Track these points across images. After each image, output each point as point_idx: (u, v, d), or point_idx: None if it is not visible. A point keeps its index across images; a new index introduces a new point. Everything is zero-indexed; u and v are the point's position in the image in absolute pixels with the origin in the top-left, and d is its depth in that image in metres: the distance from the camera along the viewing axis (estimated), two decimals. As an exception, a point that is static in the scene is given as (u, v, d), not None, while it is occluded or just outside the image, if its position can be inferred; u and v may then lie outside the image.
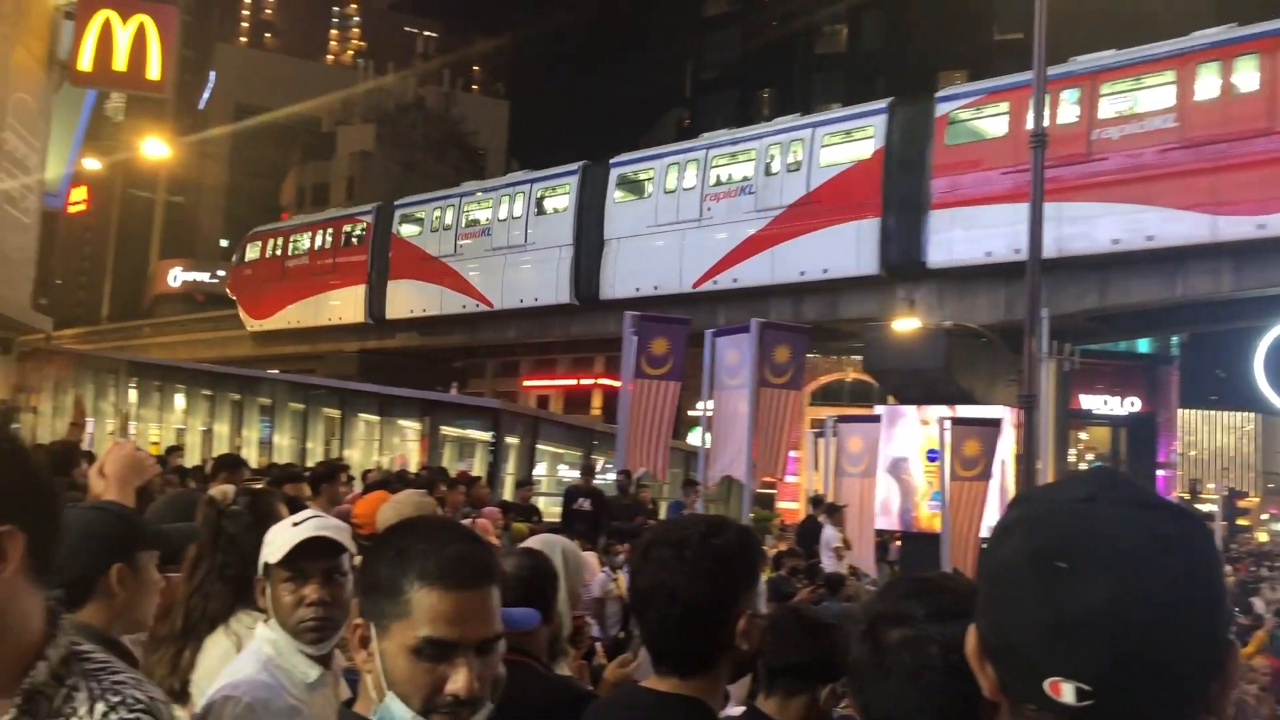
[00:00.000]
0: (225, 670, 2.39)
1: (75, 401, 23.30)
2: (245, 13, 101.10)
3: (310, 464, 20.38)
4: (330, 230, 40.06)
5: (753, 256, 26.78)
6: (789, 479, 27.09)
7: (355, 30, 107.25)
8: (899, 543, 22.29)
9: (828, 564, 12.65)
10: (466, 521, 8.50)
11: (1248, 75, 20.03)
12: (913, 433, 23.76)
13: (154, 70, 13.83)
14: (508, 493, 16.95)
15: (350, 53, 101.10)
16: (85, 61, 13.40)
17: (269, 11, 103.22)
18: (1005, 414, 19.83)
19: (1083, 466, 34.51)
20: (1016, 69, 22.67)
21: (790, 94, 49.00)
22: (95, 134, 58.86)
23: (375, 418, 22.91)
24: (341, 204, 51.03)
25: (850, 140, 25.92)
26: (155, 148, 27.52)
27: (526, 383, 41.76)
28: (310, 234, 41.49)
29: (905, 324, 21.36)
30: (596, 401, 39.69)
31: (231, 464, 7.00)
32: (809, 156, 26.18)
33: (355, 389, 24.19)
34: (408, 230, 35.76)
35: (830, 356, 34.48)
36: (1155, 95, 21.28)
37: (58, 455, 6.60)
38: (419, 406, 22.08)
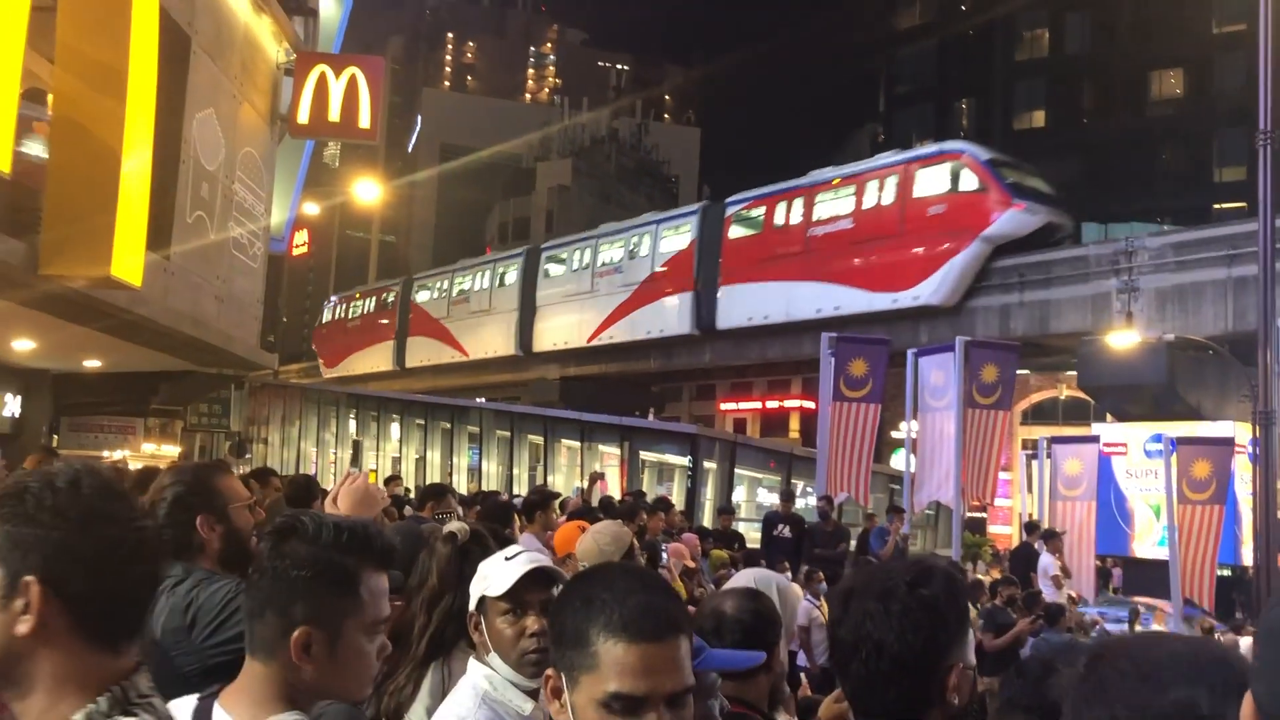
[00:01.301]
0: (445, 705, 2.39)
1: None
2: (448, 58, 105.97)
3: (517, 490, 21.07)
4: (372, 299, 52.74)
5: (620, 320, 36.73)
6: (1000, 503, 26.10)
7: (550, 69, 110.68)
8: (1119, 569, 20.93)
9: (1047, 593, 11.97)
10: (669, 550, 8.48)
11: (889, 192, 29.04)
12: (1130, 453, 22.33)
13: (365, 119, 14.54)
14: (707, 518, 16.90)
15: (546, 90, 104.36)
16: (304, 115, 14.22)
17: (470, 55, 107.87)
18: (1239, 432, 18.36)
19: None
20: (1241, 65, 22.55)
21: (989, 103, 47.34)
22: (314, 180, 62.83)
23: (577, 443, 23.34)
24: (542, 237, 53.65)
25: (678, 233, 35.74)
26: (367, 190, 29.11)
27: (723, 406, 41.70)
28: (358, 301, 53.16)
29: (1123, 337, 20.12)
30: (794, 424, 39.23)
31: (438, 493, 7.20)
32: (654, 245, 36.27)
33: (558, 416, 24.73)
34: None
35: (1043, 373, 32.90)
36: (842, 204, 30.47)
37: (299, 487, 6.95)
38: (618, 432, 22.38)
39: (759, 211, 33.11)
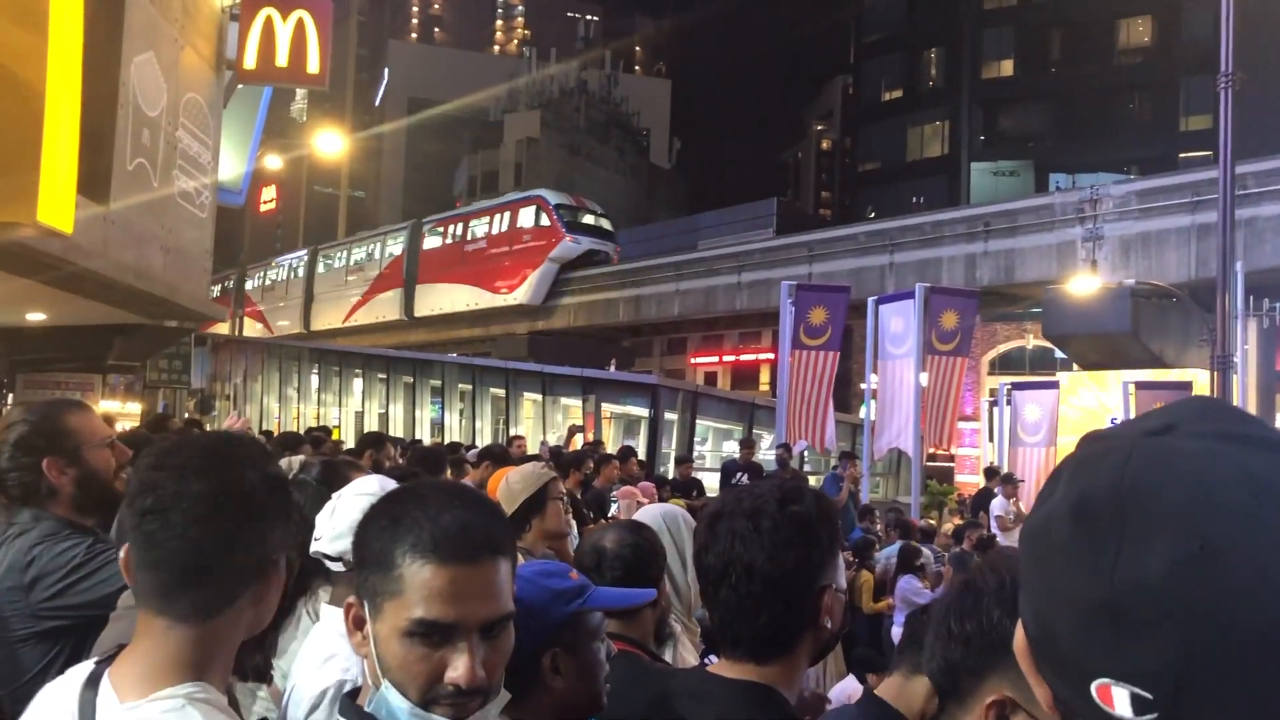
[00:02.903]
0: (317, 651, 2.24)
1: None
2: (415, 9, 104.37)
3: (481, 442, 20.97)
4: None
5: (361, 307, 48.14)
6: (969, 451, 26.34)
7: (519, 20, 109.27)
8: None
9: (1001, 539, 12.02)
10: (616, 493, 8.41)
11: (503, 223, 41.80)
12: (1091, 399, 22.40)
13: (314, 64, 14.23)
14: (670, 469, 16.86)
15: (515, 42, 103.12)
16: (250, 60, 13.89)
17: (437, 6, 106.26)
18: (1201, 378, 18.47)
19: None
20: (1209, 14, 23.10)
21: (958, 53, 47.08)
22: (279, 133, 62.24)
23: (539, 396, 23.24)
24: (511, 189, 54.22)
25: (396, 242, 47.57)
26: (329, 142, 28.58)
27: (694, 360, 41.68)
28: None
29: (1085, 283, 20.12)
30: (765, 376, 39.30)
31: (376, 441, 7.09)
32: (383, 251, 47.93)
33: (520, 369, 24.63)
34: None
35: (1010, 323, 33.04)
36: (481, 228, 43.18)
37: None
38: (580, 384, 22.28)
39: (440, 230, 46.06)
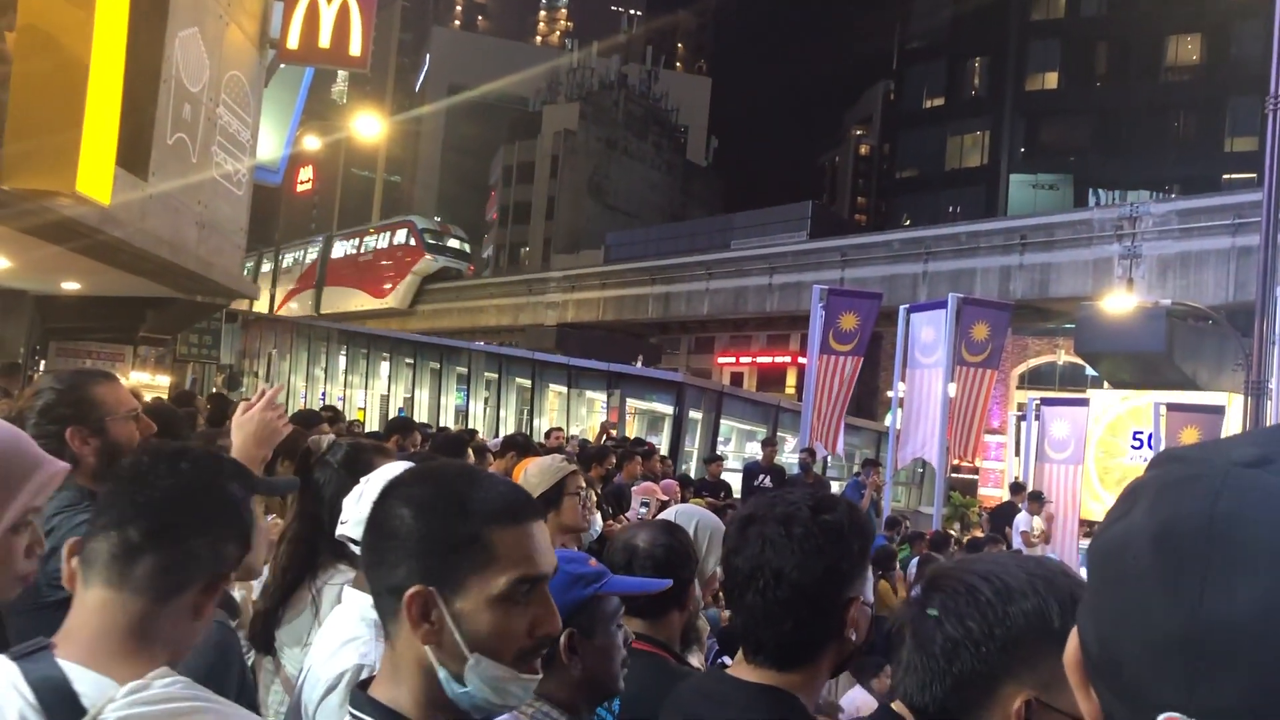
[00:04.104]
0: (337, 633, 2.21)
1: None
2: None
3: (504, 432, 21.00)
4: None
5: (289, 301, 57.90)
6: (994, 465, 26.15)
7: (563, 11, 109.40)
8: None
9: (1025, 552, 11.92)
10: (637, 490, 8.37)
11: (385, 240, 52.94)
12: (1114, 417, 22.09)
13: (356, 46, 14.29)
14: (693, 468, 16.82)
15: (557, 34, 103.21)
16: (293, 40, 13.97)
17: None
18: (1235, 403, 18.21)
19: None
20: (1259, 33, 22.66)
21: (1003, 63, 46.67)
22: (319, 116, 62.75)
23: (564, 389, 23.24)
24: (547, 181, 54.94)
25: (314, 250, 58.03)
26: (368, 125, 28.72)
27: (721, 359, 41.64)
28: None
29: (1120, 301, 19.87)
30: (791, 379, 39.19)
31: (402, 427, 7.10)
32: (305, 256, 57.86)
33: (546, 360, 24.63)
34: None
35: (1042, 337, 32.77)
36: (371, 243, 54.05)
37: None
38: (605, 378, 22.26)
39: (345, 242, 56.29)
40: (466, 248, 53.95)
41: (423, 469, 1.53)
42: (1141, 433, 17.11)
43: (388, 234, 52.94)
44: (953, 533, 13.99)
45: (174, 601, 1.44)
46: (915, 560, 9.67)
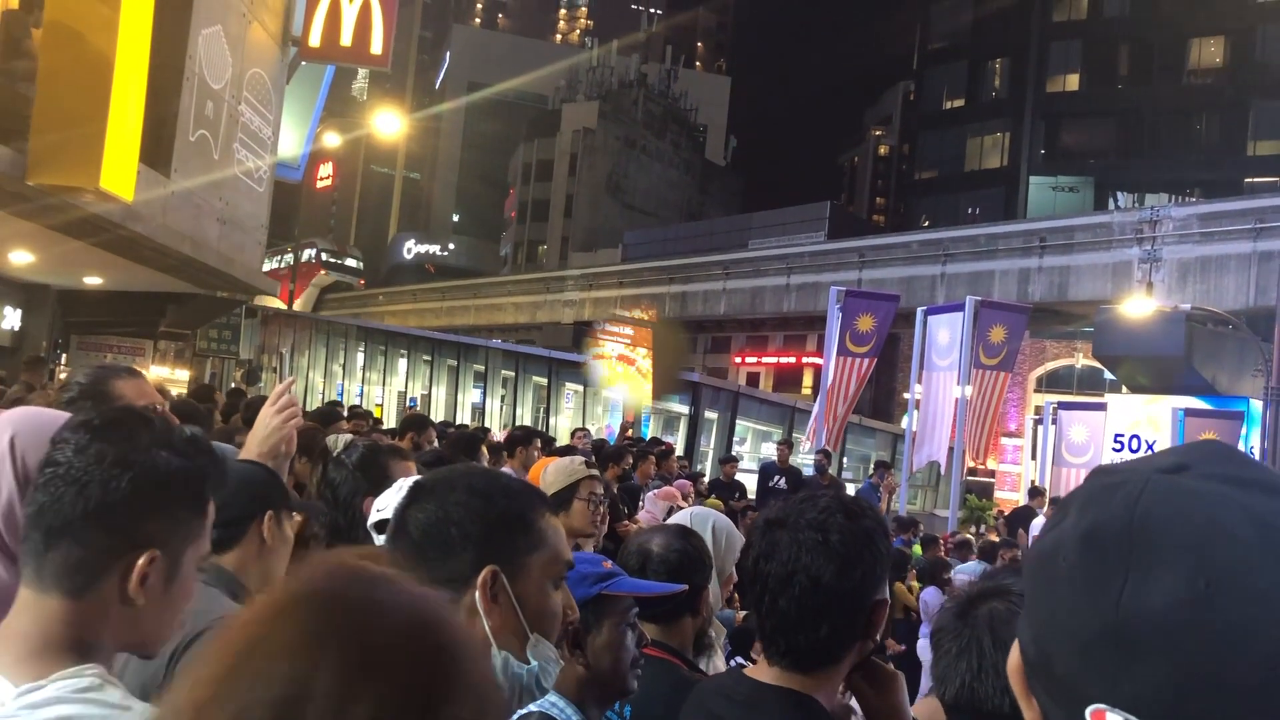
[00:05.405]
0: None
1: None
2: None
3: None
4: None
5: None
6: (1011, 468, 26.03)
7: (583, 9, 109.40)
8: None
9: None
10: (657, 494, 8.39)
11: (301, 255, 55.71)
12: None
13: (377, 45, 14.37)
14: (708, 468, 16.81)
15: (577, 32, 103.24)
16: (315, 38, 14.05)
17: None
18: (1254, 407, 18.09)
19: (1345, 470, 31.19)
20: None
21: (1023, 64, 46.43)
22: (339, 113, 62.99)
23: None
24: (565, 179, 54.93)
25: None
26: (388, 122, 28.84)
27: (737, 359, 41.60)
28: None
29: (1140, 305, 19.76)
30: (808, 380, 39.11)
31: (419, 424, 7.13)
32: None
33: (563, 358, 24.65)
34: None
35: (1060, 340, 32.62)
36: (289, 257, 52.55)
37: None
38: (622, 378, 22.22)
39: (274, 255, 56.51)
40: (359, 265, 65.61)
41: (451, 469, 1.58)
42: (1123, 435, 16.90)
43: (305, 250, 60.96)
44: (969, 535, 13.95)
45: (89, 595, 1.33)
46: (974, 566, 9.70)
